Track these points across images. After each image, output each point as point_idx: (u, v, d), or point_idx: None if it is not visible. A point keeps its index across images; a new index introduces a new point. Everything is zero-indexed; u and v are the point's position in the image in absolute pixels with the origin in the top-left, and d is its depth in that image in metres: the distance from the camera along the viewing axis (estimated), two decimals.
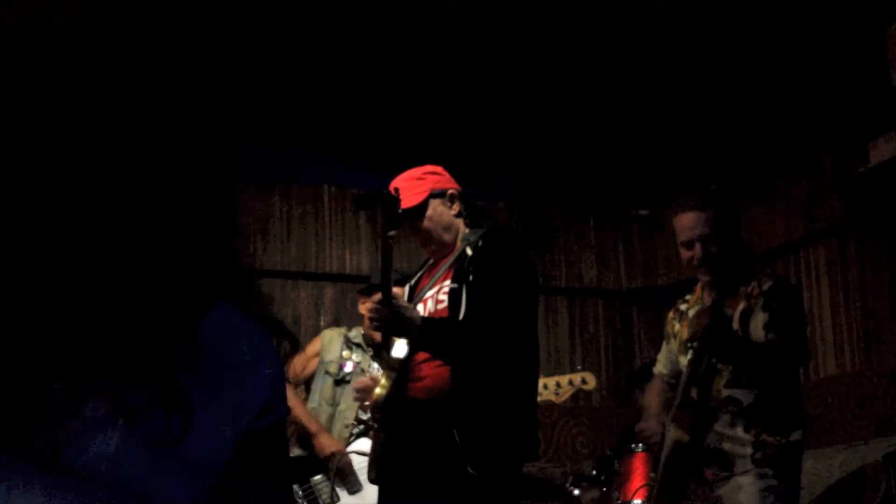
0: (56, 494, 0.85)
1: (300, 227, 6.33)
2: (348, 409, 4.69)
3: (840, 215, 5.69)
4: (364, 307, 4.92)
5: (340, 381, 4.77)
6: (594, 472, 5.01)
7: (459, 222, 3.47)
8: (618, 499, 4.65)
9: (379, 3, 4.60)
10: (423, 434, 3.25)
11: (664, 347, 3.92)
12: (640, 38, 4.94)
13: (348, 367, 4.78)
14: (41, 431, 0.85)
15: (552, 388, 4.64)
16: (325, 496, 4.55)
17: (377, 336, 4.69)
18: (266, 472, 1.01)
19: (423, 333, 3.22)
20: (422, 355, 3.34)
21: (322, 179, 6.39)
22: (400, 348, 3.37)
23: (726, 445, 3.47)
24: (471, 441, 3.13)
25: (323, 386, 4.79)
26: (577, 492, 5.12)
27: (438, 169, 3.54)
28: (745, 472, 3.43)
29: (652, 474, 3.59)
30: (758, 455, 3.42)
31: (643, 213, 7.00)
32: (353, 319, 5.36)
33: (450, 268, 3.39)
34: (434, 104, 5.48)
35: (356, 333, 4.92)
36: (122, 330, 0.90)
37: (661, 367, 3.90)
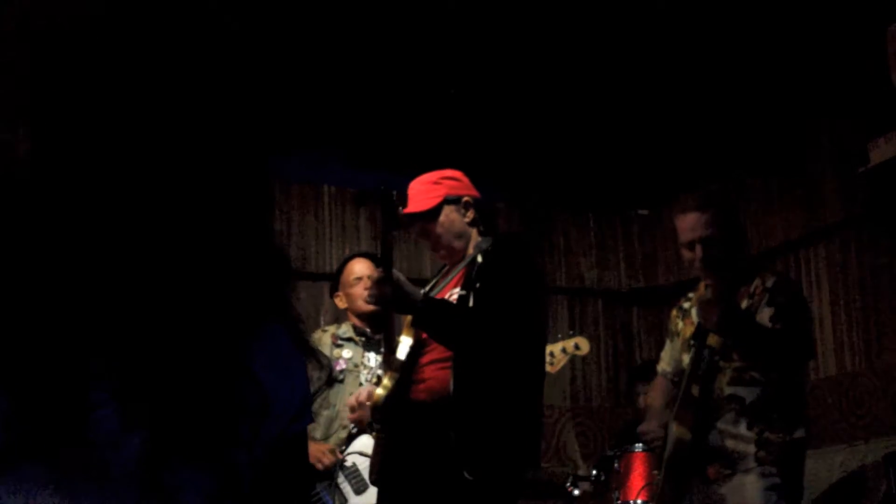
0: (85, 499, 0.86)
1: (300, 227, 6.33)
2: (344, 409, 4.66)
3: (840, 215, 5.68)
4: (340, 301, 4.91)
5: (333, 382, 4.73)
6: (594, 472, 5.01)
7: (473, 230, 3.45)
8: (618, 499, 4.65)
9: (378, 2, 4.60)
10: (421, 436, 3.24)
11: (667, 345, 3.91)
12: (640, 37, 4.94)
13: (340, 366, 4.75)
14: (80, 431, 0.86)
15: (546, 358, 4.63)
16: (332, 499, 4.53)
17: (366, 306, 4.65)
18: (296, 472, 1.02)
19: (424, 310, 3.19)
20: (425, 357, 3.33)
21: (322, 179, 6.39)
22: (403, 349, 3.37)
23: (729, 443, 3.46)
24: (468, 445, 3.11)
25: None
26: (577, 492, 5.12)
27: (457, 174, 3.52)
28: (749, 471, 3.42)
29: (654, 472, 3.59)
30: (761, 453, 3.41)
31: (643, 212, 7.00)
32: None
33: (459, 274, 3.38)
34: (434, 104, 5.48)
35: (345, 329, 4.87)
36: (169, 341, 0.90)
37: (664, 366, 3.90)
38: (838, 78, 5.17)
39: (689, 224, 3.56)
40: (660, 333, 6.67)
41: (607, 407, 6.74)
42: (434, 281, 3.58)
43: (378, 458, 3.38)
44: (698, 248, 3.54)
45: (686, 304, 3.81)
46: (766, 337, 3.45)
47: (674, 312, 3.88)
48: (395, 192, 3.27)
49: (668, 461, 3.44)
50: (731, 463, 3.45)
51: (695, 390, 3.48)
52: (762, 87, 5.33)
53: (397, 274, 3.16)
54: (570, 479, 5.22)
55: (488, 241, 3.40)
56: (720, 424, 3.47)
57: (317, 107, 5.46)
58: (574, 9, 4.70)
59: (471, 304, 3.23)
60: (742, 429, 3.45)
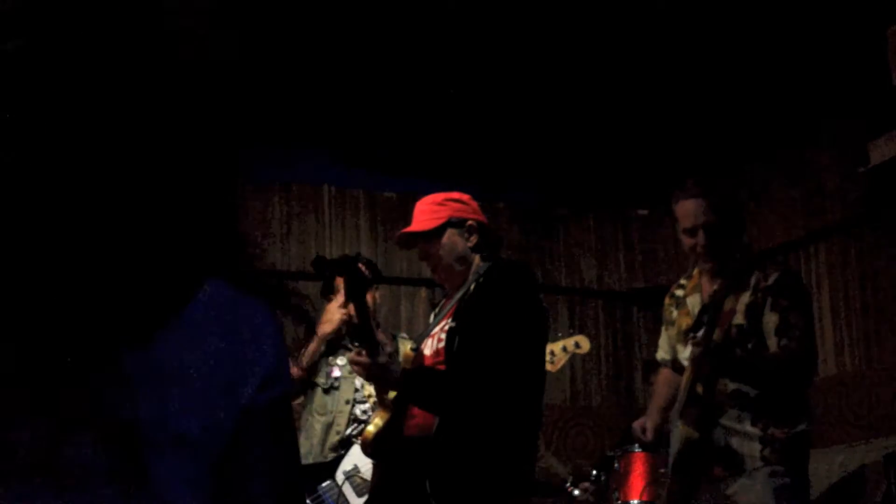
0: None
1: (300, 227, 6.33)
2: (340, 415, 4.64)
3: (840, 215, 5.69)
4: (332, 309, 4.88)
5: (329, 389, 4.70)
6: (594, 472, 5.00)
7: (475, 256, 3.34)
8: (618, 499, 4.64)
9: (379, 2, 4.60)
10: (404, 474, 3.20)
11: (663, 333, 3.88)
12: (640, 37, 4.94)
13: (335, 373, 4.72)
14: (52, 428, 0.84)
15: (546, 357, 4.61)
16: (335, 501, 4.51)
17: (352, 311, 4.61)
18: (272, 446, 0.98)
19: (404, 387, 3.16)
20: None
21: (322, 179, 6.39)
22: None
23: (735, 441, 3.44)
24: (443, 491, 3.03)
25: (312, 396, 4.72)
26: (577, 492, 5.11)
27: (465, 197, 3.42)
28: (756, 470, 3.39)
29: (661, 470, 3.56)
30: (766, 451, 3.39)
31: (643, 212, 7.00)
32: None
33: (454, 304, 3.30)
34: (434, 104, 5.48)
35: None
36: (98, 307, 0.87)
37: (662, 354, 3.86)
38: (839, 78, 5.17)
39: (690, 210, 3.53)
40: (659, 333, 6.67)
41: (607, 407, 6.74)
42: (438, 307, 3.54)
43: (373, 486, 3.39)
44: (700, 235, 3.51)
45: (679, 292, 3.77)
46: (767, 369, 3.44)
47: (667, 300, 3.84)
48: (359, 258, 3.18)
49: (676, 460, 3.43)
50: (738, 462, 3.43)
51: (699, 388, 3.46)
52: (763, 88, 5.33)
53: (381, 348, 3.11)
54: (570, 479, 5.22)
55: (486, 268, 3.30)
56: (724, 421, 3.45)
57: (316, 106, 5.46)
58: (575, 9, 4.70)
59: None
60: (747, 425, 3.42)
